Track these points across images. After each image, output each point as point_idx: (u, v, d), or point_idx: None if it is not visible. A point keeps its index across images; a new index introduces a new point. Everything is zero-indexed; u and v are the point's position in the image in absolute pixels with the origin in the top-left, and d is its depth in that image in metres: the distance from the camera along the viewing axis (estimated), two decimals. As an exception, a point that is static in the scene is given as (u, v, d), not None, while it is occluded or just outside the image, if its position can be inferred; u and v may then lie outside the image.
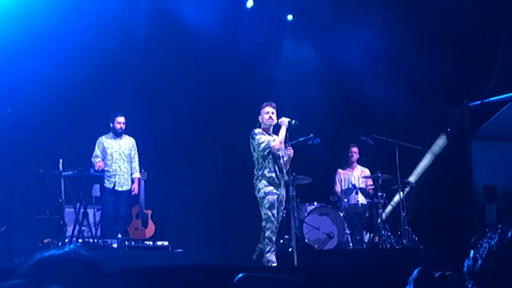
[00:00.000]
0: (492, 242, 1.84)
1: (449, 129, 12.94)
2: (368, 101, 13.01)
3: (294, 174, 9.13)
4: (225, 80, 12.70)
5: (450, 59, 12.30)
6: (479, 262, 1.82)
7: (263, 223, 8.92)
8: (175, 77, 12.49)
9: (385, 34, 12.87)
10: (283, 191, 9.08)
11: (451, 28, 12.09)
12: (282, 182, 9.00)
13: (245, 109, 12.23)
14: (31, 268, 1.92)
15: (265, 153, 8.99)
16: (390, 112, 13.16)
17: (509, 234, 1.82)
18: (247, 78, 12.67)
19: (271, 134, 9.20)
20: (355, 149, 11.99)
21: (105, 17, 11.37)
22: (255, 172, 9.10)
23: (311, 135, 9.56)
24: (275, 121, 9.14)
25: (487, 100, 12.38)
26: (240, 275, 1.53)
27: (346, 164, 12.08)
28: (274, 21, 13.19)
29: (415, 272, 2.06)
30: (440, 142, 12.68)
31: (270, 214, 8.88)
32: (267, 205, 8.89)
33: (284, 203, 9.21)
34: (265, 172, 8.99)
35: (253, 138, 9.14)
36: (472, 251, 1.87)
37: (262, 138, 9.05)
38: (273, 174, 8.96)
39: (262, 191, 8.96)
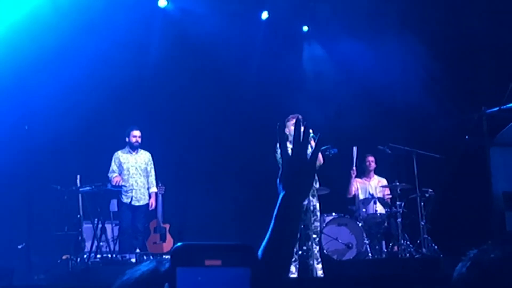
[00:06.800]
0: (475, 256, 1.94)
1: (467, 136, 12.86)
2: (386, 110, 12.96)
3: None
4: (242, 92, 12.71)
5: (467, 66, 12.24)
6: (463, 270, 1.92)
7: None
8: (191, 90, 12.52)
9: (402, 43, 12.81)
10: (313, 200, 9.03)
11: (468, 35, 12.04)
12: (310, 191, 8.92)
13: (263, 121, 12.23)
14: None
15: None
16: (408, 120, 13.11)
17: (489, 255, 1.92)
18: (264, 90, 12.66)
19: None
20: (371, 158, 11.93)
21: (120, 34, 11.41)
22: None
23: (329, 145, 9.51)
24: None
25: (505, 107, 12.30)
26: (179, 244, 1.50)
27: (363, 173, 12.02)
28: (290, 32, 13.20)
29: None
30: None
31: None
32: None
33: (318, 213, 9.16)
34: None
35: (276, 152, 9.14)
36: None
37: None
38: None
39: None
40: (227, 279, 1.48)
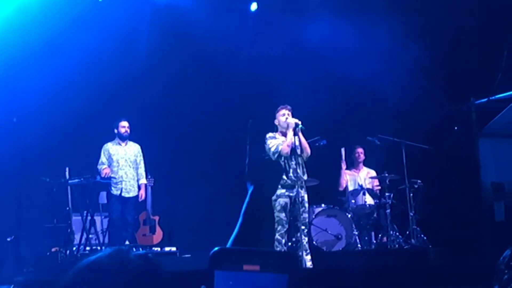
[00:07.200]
0: None
1: (456, 127, 12.88)
2: (374, 101, 12.97)
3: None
4: (230, 84, 12.68)
5: (455, 57, 12.26)
6: (508, 252, 1.97)
7: (275, 225, 8.88)
8: (179, 82, 12.51)
9: (389, 33, 12.82)
10: (302, 192, 8.98)
11: (456, 26, 12.06)
12: (298, 183, 8.90)
13: (251, 112, 12.21)
14: (74, 277, 1.84)
15: (275, 157, 8.94)
16: (396, 111, 13.12)
17: None
18: (252, 81, 12.63)
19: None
20: (360, 150, 11.95)
21: (108, 26, 11.37)
22: None
23: (318, 137, 9.51)
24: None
25: (493, 98, 12.32)
26: (217, 248, 1.50)
27: (352, 165, 12.03)
28: (278, 23, 13.16)
29: None
30: None
31: (281, 216, 8.84)
32: (278, 208, 8.85)
33: (306, 204, 9.12)
34: None
35: (265, 143, 9.12)
36: None
37: (272, 142, 9.02)
38: (285, 177, 8.90)
39: (275, 194, 8.90)
40: (264, 284, 1.47)
